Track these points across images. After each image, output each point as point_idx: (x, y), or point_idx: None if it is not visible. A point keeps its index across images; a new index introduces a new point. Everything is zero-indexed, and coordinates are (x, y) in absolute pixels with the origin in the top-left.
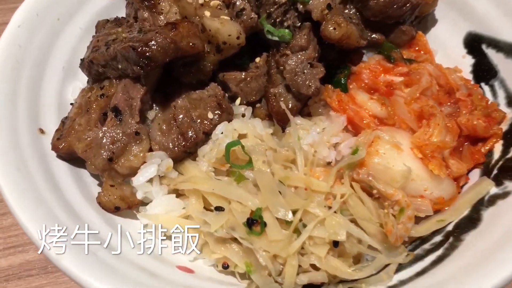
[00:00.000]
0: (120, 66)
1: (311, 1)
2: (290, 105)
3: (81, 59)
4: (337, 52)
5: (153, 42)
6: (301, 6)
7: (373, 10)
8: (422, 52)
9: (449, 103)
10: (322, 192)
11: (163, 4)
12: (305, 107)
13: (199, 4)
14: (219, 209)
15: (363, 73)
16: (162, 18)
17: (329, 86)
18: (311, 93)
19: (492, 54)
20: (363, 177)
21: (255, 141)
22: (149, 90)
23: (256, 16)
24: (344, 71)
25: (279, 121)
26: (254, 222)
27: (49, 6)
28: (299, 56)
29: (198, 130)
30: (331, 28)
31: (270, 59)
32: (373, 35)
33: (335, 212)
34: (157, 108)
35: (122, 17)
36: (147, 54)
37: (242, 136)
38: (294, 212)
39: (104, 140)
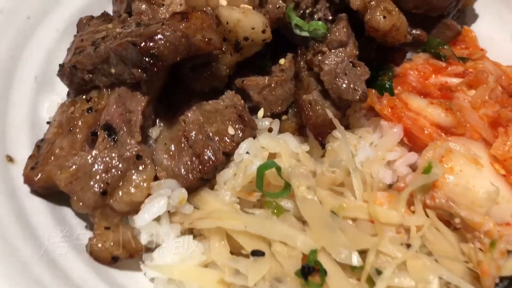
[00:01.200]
0: (113, 71)
1: None
2: (329, 114)
3: (60, 65)
4: (376, 50)
5: (159, 36)
6: None
7: (416, 1)
8: (470, 49)
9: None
10: (393, 224)
11: None
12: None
13: None
14: (257, 253)
15: (410, 75)
16: (163, 10)
17: (373, 91)
18: (357, 98)
19: None
20: (441, 202)
21: (291, 162)
22: (151, 100)
23: (284, 5)
24: (387, 72)
25: (318, 135)
26: (311, 270)
27: (17, 1)
28: (339, 53)
29: (217, 150)
30: (380, 16)
31: (299, 60)
32: (413, 31)
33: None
34: (162, 124)
35: (108, 13)
36: (153, 51)
37: (271, 155)
38: (361, 254)
39: (95, 167)
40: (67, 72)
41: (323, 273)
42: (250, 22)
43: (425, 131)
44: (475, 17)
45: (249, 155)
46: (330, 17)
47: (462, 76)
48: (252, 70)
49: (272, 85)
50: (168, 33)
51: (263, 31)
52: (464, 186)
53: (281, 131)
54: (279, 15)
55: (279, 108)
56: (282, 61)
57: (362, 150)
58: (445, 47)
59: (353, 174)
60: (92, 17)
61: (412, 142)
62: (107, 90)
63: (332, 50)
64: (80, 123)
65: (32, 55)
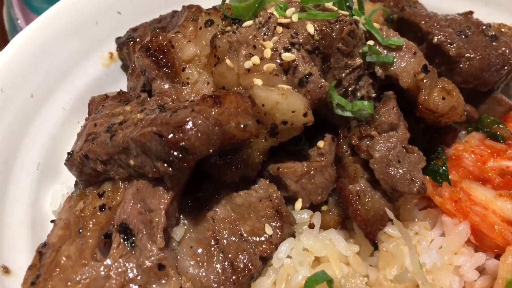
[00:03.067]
0: (132, 163)
1: (396, 62)
2: (381, 208)
3: (68, 153)
4: (421, 131)
5: (190, 125)
6: (380, 69)
7: (465, 75)
8: None
9: None
10: None
11: (189, 71)
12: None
13: (244, 69)
14: None
15: (465, 158)
16: (188, 90)
17: (427, 177)
18: (415, 191)
19: None
20: None
21: (342, 269)
22: (176, 196)
23: (327, 84)
24: (440, 156)
25: (369, 233)
26: None
27: (19, 78)
28: (390, 138)
29: (253, 254)
30: (438, 98)
31: (341, 143)
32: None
33: None
34: (186, 222)
35: (125, 92)
36: (183, 143)
37: (316, 260)
38: None
39: (110, 281)
40: (76, 161)
41: None
42: (290, 105)
43: (496, 229)
44: None
45: (291, 259)
46: (374, 95)
47: None
48: (287, 155)
49: (312, 172)
50: (199, 121)
51: (305, 114)
52: None
53: (322, 223)
54: (322, 95)
55: (319, 197)
56: (321, 143)
57: (428, 255)
58: (501, 125)
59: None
60: (106, 97)
61: (479, 240)
62: (123, 183)
63: (382, 134)
64: (91, 224)
65: (35, 139)
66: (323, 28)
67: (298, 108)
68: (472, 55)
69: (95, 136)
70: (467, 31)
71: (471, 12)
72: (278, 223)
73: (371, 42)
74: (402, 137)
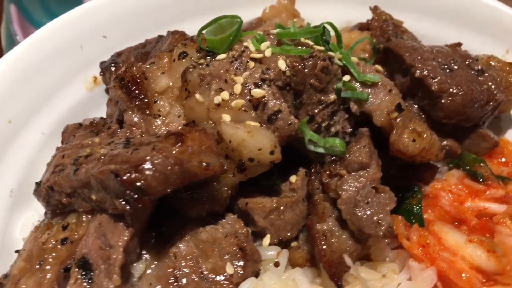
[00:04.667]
0: (94, 197)
1: (370, 99)
2: (348, 249)
3: (36, 183)
4: (398, 167)
5: (148, 165)
6: (355, 105)
7: (447, 111)
8: (510, 165)
9: None
10: None
11: (161, 103)
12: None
13: (214, 104)
14: None
15: (442, 197)
16: (159, 122)
17: (399, 218)
18: (381, 234)
19: None
20: None
21: None
22: (137, 233)
23: (297, 121)
24: (416, 194)
25: (333, 275)
26: None
27: None
28: (359, 177)
29: None
30: (408, 140)
31: (312, 179)
32: (445, 142)
33: None
34: (148, 257)
35: (101, 118)
36: (138, 184)
37: None
38: None
39: None
40: (43, 192)
41: None
42: (257, 143)
43: (463, 277)
44: (510, 122)
45: None
46: (349, 129)
47: (504, 202)
48: (258, 189)
49: (281, 208)
50: (158, 161)
51: (271, 152)
52: None
53: (290, 260)
54: (291, 133)
55: (289, 234)
56: (293, 179)
57: None
58: (482, 164)
59: None
60: (79, 125)
61: (447, 287)
62: (87, 216)
63: (352, 173)
64: (51, 258)
65: (10, 164)
66: (295, 64)
67: (264, 146)
68: (454, 91)
69: (62, 168)
70: (452, 64)
71: (459, 44)
72: (241, 262)
73: (347, 78)
74: (372, 177)
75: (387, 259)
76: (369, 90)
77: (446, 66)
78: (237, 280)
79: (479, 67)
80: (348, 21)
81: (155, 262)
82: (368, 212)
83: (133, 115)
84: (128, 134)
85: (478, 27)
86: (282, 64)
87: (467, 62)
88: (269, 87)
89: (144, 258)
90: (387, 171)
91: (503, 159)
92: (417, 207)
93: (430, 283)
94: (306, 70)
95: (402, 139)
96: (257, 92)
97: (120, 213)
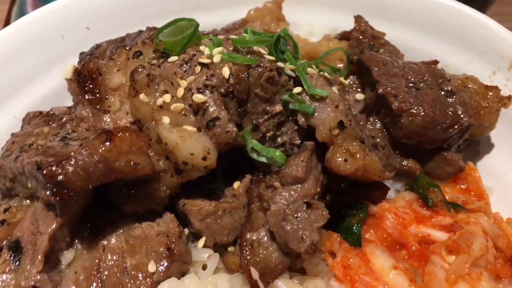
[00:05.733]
0: (29, 185)
1: (316, 114)
2: (273, 261)
3: None
4: (350, 183)
5: (71, 161)
6: (302, 118)
7: (406, 131)
8: (473, 194)
9: (510, 278)
10: None
11: (112, 99)
12: (298, 259)
13: (157, 105)
14: None
15: (386, 219)
16: (108, 119)
17: (335, 235)
18: (302, 251)
19: None
20: None
21: None
22: (67, 222)
23: (235, 130)
24: (358, 213)
25: (254, 285)
26: None
27: None
28: (292, 192)
29: None
30: (340, 159)
31: (252, 187)
32: (405, 162)
33: None
34: (79, 247)
35: (66, 108)
36: (58, 178)
37: None
38: None
39: None
40: None
41: None
42: (189, 147)
43: None
44: (489, 147)
45: None
46: (298, 141)
47: (449, 231)
48: (200, 191)
49: (219, 212)
50: (81, 157)
51: (204, 158)
52: None
53: (225, 264)
54: (228, 140)
55: (225, 238)
56: (236, 184)
57: None
58: (435, 189)
59: None
60: (39, 114)
61: None
62: (27, 202)
63: (286, 187)
64: None
65: None
66: (239, 73)
67: (197, 151)
68: (414, 111)
69: (9, 153)
70: (421, 83)
71: (435, 62)
72: (165, 262)
73: (298, 89)
74: (306, 192)
75: (320, 274)
76: (317, 104)
77: (412, 85)
78: (157, 279)
79: (450, 88)
80: (334, 28)
81: (85, 252)
82: (295, 227)
83: (83, 109)
84: (74, 127)
85: (467, 44)
86: (226, 71)
87: (438, 82)
88: (212, 94)
89: (75, 247)
90: (338, 185)
91: (465, 186)
92: (357, 226)
93: None
94: (251, 79)
95: (334, 157)
96: (198, 97)
97: (51, 203)
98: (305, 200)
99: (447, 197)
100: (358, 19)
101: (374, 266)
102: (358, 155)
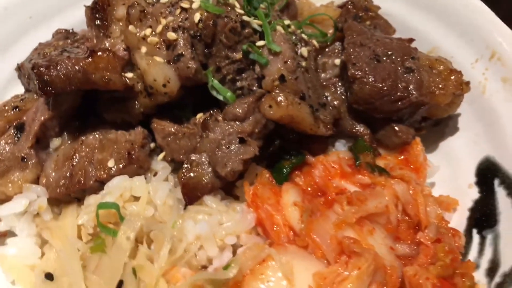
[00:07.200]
0: (35, 84)
1: (269, 66)
2: (205, 180)
3: (17, 64)
4: (297, 134)
5: (58, 66)
6: (259, 67)
7: (355, 97)
8: (412, 167)
9: (409, 242)
10: None
11: (114, 27)
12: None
13: (140, 37)
14: (48, 277)
15: (316, 169)
16: (107, 43)
17: (265, 172)
18: (224, 174)
19: (502, 196)
20: None
21: (146, 209)
22: (57, 116)
23: (195, 67)
24: (293, 159)
25: (186, 194)
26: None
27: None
28: (229, 127)
29: (89, 176)
30: (267, 105)
31: (207, 119)
32: (357, 127)
33: None
34: (66, 138)
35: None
36: (45, 77)
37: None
38: None
39: None
40: (17, 70)
41: None
42: (153, 74)
43: (275, 228)
44: (454, 130)
45: (107, 191)
46: (254, 88)
47: (367, 188)
48: (171, 115)
49: (179, 134)
50: (65, 66)
51: (164, 85)
52: None
53: (178, 178)
54: (188, 75)
55: (180, 157)
56: (199, 115)
57: (198, 225)
58: (369, 153)
59: (165, 243)
60: (64, 31)
61: (266, 234)
62: (36, 96)
63: (226, 121)
64: (3, 116)
65: (24, 48)
66: (207, 20)
67: (158, 78)
68: (365, 80)
69: (31, 57)
70: (384, 57)
71: (411, 40)
72: (123, 162)
73: (262, 43)
74: (242, 129)
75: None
76: (272, 58)
77: (375, 57)
78: (114, 173)
79: (410, 65)
80: None
81: (68, 142)
82: (224, 155)
83: (90, 32)
84: (77, 44)
85: (461, 30)
86: (197, 17)
87: (403, 58)
88: (183, 34)
89: (62, 137)
90: (287, 134)
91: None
92: (287, 168)
93: (248, 224)
94: (217, 27)
95: (264, 103)
96: (171, 35)
97: (47, 98)
98: (239, 136)
99: (382, 164)
100: None
101: (281, 201)
102: (282, 104)
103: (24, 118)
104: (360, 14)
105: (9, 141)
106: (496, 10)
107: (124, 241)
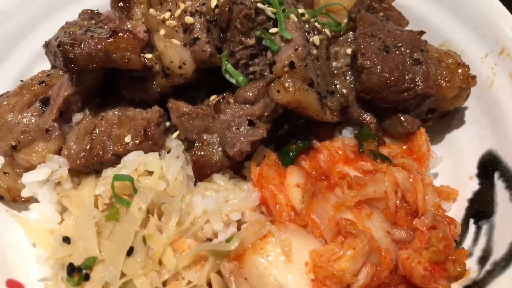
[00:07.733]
0: (60, 60)
1: (280, 52)
2: (214, 159)
3: (45, 41)
4: (306, 119)
5: (81, 44)
6: (271, 53)
7: (363, 86)
8: (415, 157)
9: (406, 228)
10: (170, 270)
11: (136, 10)
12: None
13: (160, 20)
14: (66, 240)
15: (321, 153)
16: (129, 25)
17: (272, 154)
18: (232, 154)
19: (500, 189)
20: (224, 272)
21: (158, 183)
22: (79, 92)
23: (209, 50)
24: (300, 143)
25: (196, 171)
26: (75, 271)
27: None
28: (239, 109)
29: (108, 149)
30: (275, 90)
31: (221, 101)
32: (364, 115)
33: None
34: (88, 113)
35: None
36: (69, 55)
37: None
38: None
39: (17, 127)
40: (44, 47)
41: (82, 277)
42: (169, 56)
43: (277, 207)
44: (461, 123)
45: (123, 165)
46: (266, 73)
47: (367, 175)
48: (186, 96)
49: (193, 115)
50: (88, 44)
51: (180, 67)
52: (261, 271)
53: (190, 156)
54: (203, 58)
55: (194, 136)
56: (212, 97)
57: (206, 200)
58: (373, 141)
59: (173, 215)
60: (90, 11)
61: (269, 212)
62: (62, 72)
63: (237, 104)
64: (31, 90)
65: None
66: (223, 6)
67: (175, 59)
68: (373, 70)
69: (58, 35)
70: (394, 48)
71: (421, 32)
72: (139, 138)
73: (275, 30)
74: (252, 112)
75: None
76: (283, 45)
77: (385, 48)
78: (130, 148)
79: (419, 57)
80: None
81: (89, 117)
82: (233, 136)
83: (114, 13)
84: (101, 24)
85: (473, 24)
86: (213, 2)
87: (412, 50)
88: (200, 18)
89: (84, 112)
90: (296, 119)
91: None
92: (293, 152)
93: (252, 202)
94: (233, 13)
95: (272, 88)
96: (189, 19)
97: (71, 75)
98: (249, 118)
99: (386, 152)
100: None
101: (285, 182)
102: (290, 89)
103: (50, 93)
104: (374, 5)
105: (35, 113)
106: (510, 7)
107: (136, 212)
